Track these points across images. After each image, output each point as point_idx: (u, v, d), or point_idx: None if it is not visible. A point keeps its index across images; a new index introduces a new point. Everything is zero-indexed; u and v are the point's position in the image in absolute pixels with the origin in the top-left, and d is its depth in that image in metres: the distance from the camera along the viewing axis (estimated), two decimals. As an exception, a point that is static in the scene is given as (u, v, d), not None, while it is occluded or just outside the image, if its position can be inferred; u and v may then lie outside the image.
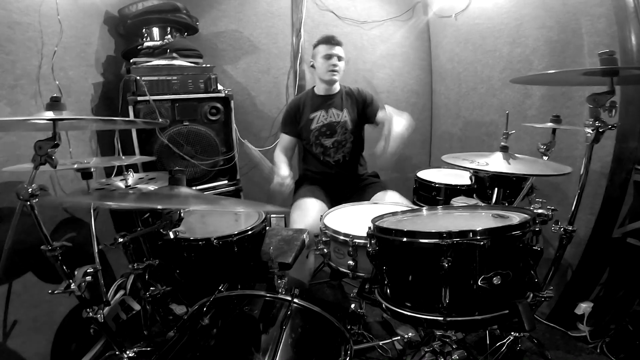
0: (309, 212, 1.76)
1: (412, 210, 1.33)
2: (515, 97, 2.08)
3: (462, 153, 1.42)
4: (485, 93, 2.32)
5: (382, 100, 1.97)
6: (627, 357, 1.48)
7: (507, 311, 0.91)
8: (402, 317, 0.99)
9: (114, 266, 1.76)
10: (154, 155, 1.84)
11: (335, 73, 1.94)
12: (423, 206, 1.69)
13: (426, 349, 1.12)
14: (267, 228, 1.58)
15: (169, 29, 2.00)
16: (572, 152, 1.72)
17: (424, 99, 2.97)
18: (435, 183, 2.03)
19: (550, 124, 1.50)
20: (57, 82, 1.56)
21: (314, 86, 2.08)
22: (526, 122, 1.74)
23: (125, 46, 2.06)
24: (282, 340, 0.91)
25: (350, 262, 1.27)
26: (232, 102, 2.08)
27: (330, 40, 1.93)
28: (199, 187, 2.00)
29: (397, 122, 1.60)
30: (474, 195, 1.75)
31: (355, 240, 1.25)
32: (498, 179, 1.47)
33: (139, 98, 1.79)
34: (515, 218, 1.05)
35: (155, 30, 1.98)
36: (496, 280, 0.89)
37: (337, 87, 2.04)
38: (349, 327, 1.43)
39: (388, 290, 1.04)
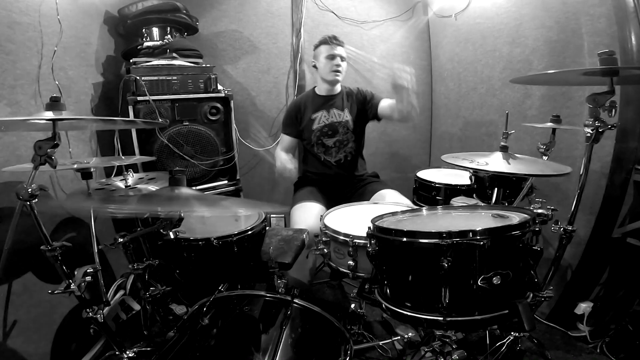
0: (309, 215, 1.77)
1: (412, 210, 1.33)
2: (515, 97, 2.08)
3: (462, 153, 1.42)
4: (485, 93, 2.32)
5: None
6: (627, 357, 1.48)
7: (507, 311, 0.91)
8: (402, 317, 0.99)
9: (114, 266, 1.76)
10: (153, 155, 1.84)
11: (338, 73, 1.94)
12: (423, 206, 1.69)
13: (426, 349, 1.12)
14: (267, 228, 1.58)
15: (168, 29, 2.00)
16: (572, 152, 1.72)
17: (424, 99, 2.96)
18: (435, 183, 2.03)
19: (550, 124, 1.50)
20: (57, 82, 1.56)
21: (315, 86, 2.08)
22: (526, 122, 1.74)
23: (125, 46, 2.06)
24: (282, 340, 0.91)
25: (350, 262, 1.27)
26: (232, 102, 2.08)
27: (332, 41, 1.92)
28: (198, 187, 2.00)
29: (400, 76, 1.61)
30: (474, 195, 1.75)
31: (355, 240, 1.25)
32: (498, 179, 1.47)
33: (139, 98, 1.79)
34: (515, 218, 1.05)
35: (155, 30, 1.98)
36: (496, 280, 0.89)
37: (338, 88, 2.04)
38: (349, 327, 1.43)
39: (388, 290, 1.04)
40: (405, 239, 0.96)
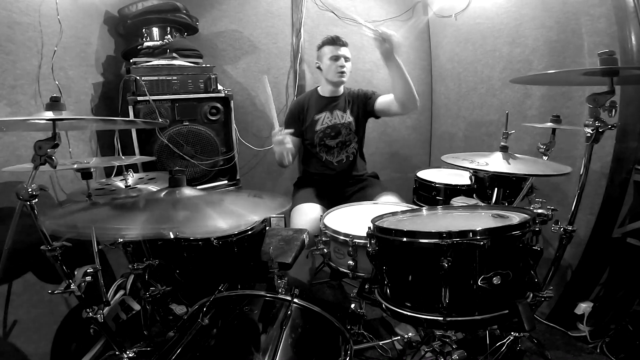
0: (309, 217, 1.77)
1: (412, 210, 1.33)
2: (515, 97, 2.08)
3: (462, 153, 1.43)
4: (485, 93, 2.32)
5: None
6: (627, 357, 1.48)
7: (507, 311, 0.91)
8: (402, 317, 0.99)
9: (114, 266, 1.76)
10: (153, 155, 1.84)
11: (343, 75, 1.93)
12: (423, 206, 1.69)
13: (426, 349, 1.12)
14: (267, 228, 1.58)
15: (168, 29, 2.00)
16: (572, 152, 1.72)
17: (424, 99, 2.96)
18: (435, 183, 2.03)
19: (550, 124, 1.50)
20: (57, 82, 1.56)
21: (318, 87, 2.08)
22: (526, 122, 1.74)
23: (125, 46, 2.06)
24: (282, 340, 0.91)
25: (350, 262, 1.28)
26: (232, 102, 2.08)
27: (336, 41, 1.91)
28: (198, 187, 1.99)
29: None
30: (474, 195, 1.75)
31: (355, 240, 1.25)
32: (498, 179, 1.47)
33: (139, 98, 1.79)
34: (515, 218, 1.05)
35: (155, 30, 1.98)
36: (496, 280, 0.89)
37: (341, 89, 2.03)
38: (349, 327, 1.42)
39: (388, 290, 1.04)
40: (405, 239, 0.97)
